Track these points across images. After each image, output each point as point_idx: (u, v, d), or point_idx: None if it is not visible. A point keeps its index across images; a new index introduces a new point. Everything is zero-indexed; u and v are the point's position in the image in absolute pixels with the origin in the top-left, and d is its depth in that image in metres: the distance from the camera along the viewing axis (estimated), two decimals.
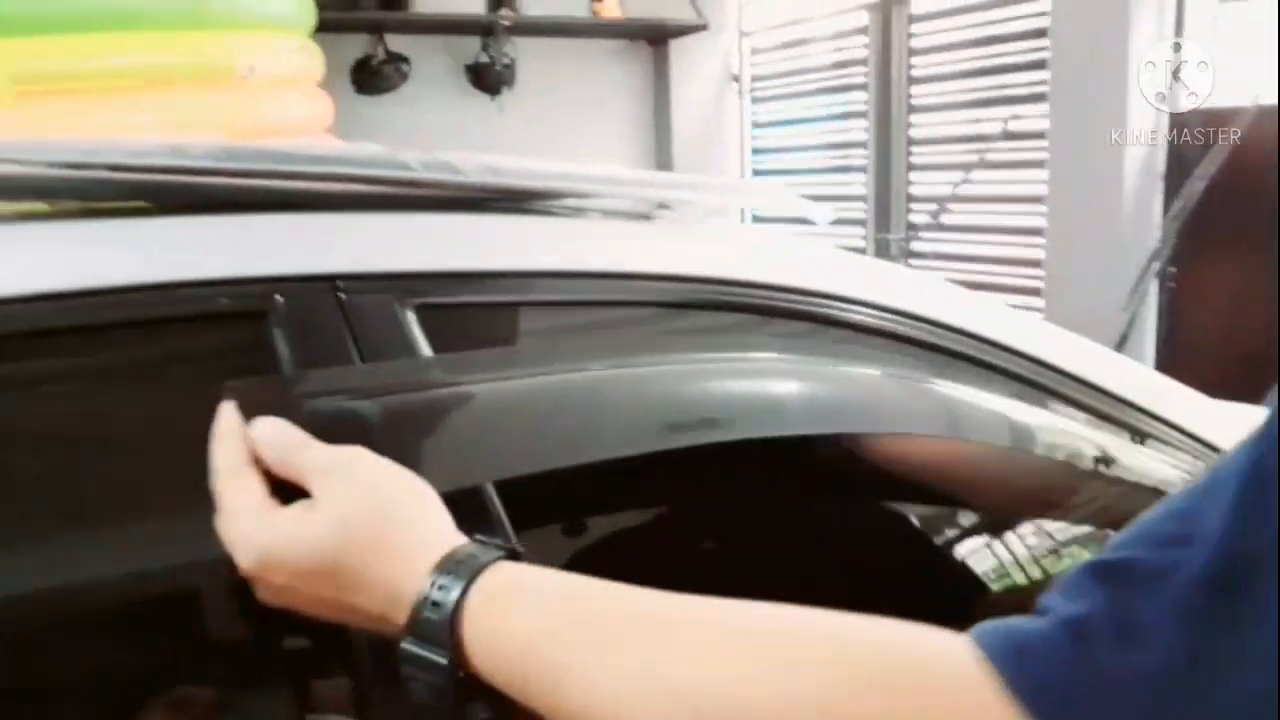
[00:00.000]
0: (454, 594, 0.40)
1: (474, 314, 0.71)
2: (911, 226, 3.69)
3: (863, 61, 3.84)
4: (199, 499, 0.66)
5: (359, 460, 0.46)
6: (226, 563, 0.51)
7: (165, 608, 0.64)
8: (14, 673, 0.60)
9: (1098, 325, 2.38)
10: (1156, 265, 2.70)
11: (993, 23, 3.32)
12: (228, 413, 0.50)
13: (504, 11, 3.78)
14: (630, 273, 0.79)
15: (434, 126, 3.99)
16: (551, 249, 0.79)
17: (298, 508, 0.46)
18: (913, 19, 3.63)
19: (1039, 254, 3.11)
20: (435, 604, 0.40)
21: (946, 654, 0.36)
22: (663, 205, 1.05)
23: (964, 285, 1.09)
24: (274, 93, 2.64)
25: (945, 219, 3.46)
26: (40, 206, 0.74)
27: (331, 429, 0.50)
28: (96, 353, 0.65)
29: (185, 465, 0.66)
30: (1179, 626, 0.32)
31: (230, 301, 0.65)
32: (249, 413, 0.50)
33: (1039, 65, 3.07)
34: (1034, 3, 3.12)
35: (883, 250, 3.78)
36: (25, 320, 0.60)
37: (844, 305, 0.85)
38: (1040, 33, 3.07)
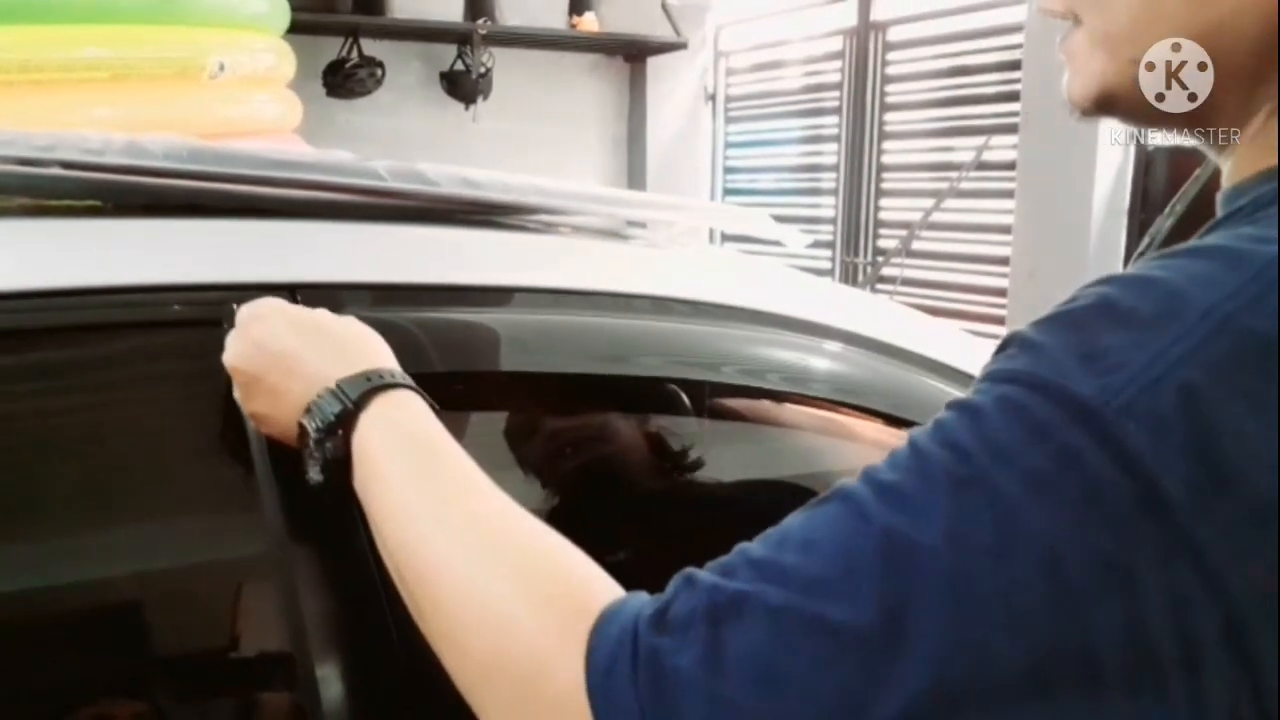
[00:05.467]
0: (364, 387, 0.56)
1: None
2: (879, 251, 3.71)
3: (836, 86, 3.87)
4: (143, 501, 0.64)
5: (340, 316, 0.63)
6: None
7: (114, 614, 0.62)
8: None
9: None
10: None
11: (967, 54, 3.35)
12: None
13: (482, 20, 3.76)
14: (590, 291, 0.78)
15: (406, 133, 3.95)
16: (517, 266, 0.77)
17: None
18: (888, 46, 3.66)
19: (1004, 283, 3.14)
20: (352, 382, 0.56)
21: (586, 610, 0.41)
22: (634, 224, 1.04)
23: (929, 311, 1.07)
24: (243, 92, 2.60)
25: (913, 245, 3.49)
26: None
27: None
28: (41, 357, 0.62)
29: (131, 470, 0.64)
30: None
31: (183, 308, 0.63)
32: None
33: (1011, 97, 3.11)
34: (1008, 35, 3.16)
35: (849, 273, 3.80)
36: None
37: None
38: (1014, 65, 3.10)
